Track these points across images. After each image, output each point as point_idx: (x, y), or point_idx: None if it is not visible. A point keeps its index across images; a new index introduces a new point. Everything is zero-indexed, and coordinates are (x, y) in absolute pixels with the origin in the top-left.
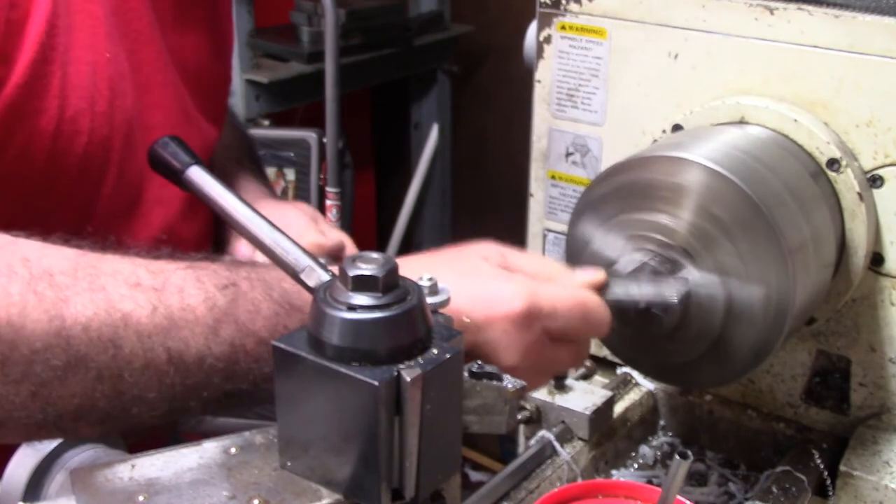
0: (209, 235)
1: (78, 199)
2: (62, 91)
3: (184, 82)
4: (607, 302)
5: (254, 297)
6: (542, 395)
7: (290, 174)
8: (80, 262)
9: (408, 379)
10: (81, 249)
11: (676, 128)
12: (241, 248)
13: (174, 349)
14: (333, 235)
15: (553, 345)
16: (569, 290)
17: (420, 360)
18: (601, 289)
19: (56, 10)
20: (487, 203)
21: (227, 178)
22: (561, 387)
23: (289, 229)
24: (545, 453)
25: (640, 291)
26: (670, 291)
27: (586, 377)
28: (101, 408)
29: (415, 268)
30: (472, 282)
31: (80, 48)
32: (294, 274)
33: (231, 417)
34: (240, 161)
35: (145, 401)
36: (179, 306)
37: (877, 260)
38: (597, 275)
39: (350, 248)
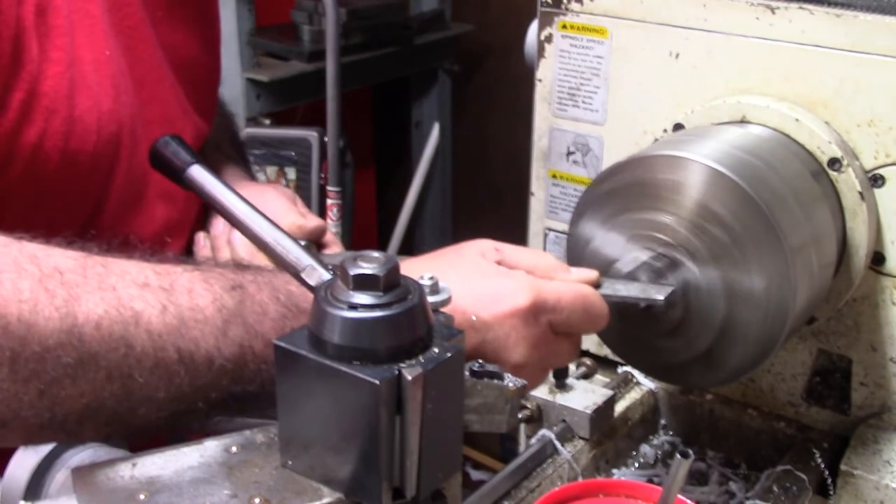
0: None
1: (90, 196)
2: (70, 91)
3: (176, 77)
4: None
5: (261, 299)
6: (542, 393)
7: (291, 173)
8: (87, 262)
9: (409, 378)
10: (86, 251)
11: (677, 127)
12: (220, 224)
13: (184, 349)
14: (313, 218)
15: (556, 338)
16: (569, 283)
17: (421, 358)
18: (595, 286)
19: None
20: (488, 202)
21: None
22: (562, 386)
23: (267, 210)
24: (546, 452)
25: (628, 290)
26: (658, 292)
27: (587, 376)
28: (109, 408)
29: (416, 269)
30: (475, 281)
31: (82, 47)
32: (295, 273)
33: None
34: (218, 145)
35: (154, 401)
36: (189, 306)
37: (878, 259)
38: (591, 273)
39: (329, 233)
